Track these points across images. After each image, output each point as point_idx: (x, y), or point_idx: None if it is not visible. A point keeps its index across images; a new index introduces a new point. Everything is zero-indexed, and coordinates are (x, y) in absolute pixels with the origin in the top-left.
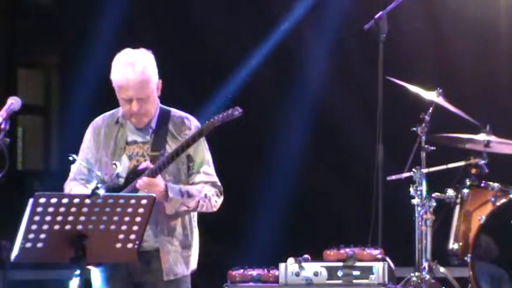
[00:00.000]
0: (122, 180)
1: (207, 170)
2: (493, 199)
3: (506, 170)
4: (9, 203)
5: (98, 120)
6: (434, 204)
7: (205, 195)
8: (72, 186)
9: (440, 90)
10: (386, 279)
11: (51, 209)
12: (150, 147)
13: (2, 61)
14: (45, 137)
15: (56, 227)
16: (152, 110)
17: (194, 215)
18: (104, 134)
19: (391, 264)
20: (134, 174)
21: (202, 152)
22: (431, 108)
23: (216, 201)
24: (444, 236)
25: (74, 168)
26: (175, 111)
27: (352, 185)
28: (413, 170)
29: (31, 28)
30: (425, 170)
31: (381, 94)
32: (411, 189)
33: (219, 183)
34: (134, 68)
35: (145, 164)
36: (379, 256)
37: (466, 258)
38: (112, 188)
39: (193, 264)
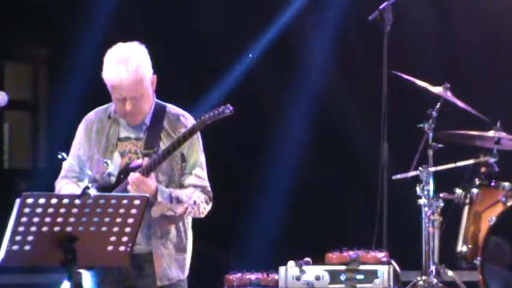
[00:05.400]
0: (113, 179)
1: (199, 173)
2: (503, 199)
3: None
4: None
5: (91, 114)
6: (442, 204)
7: (194, 202)
8: (63, 185)
9: (448, 85)
10: (391, 283)
11: (39, 210)
12: (143, 145)
13: None
14: (33, 134)
15: (45, 228)
16: (146, 107)
17: (188, 218)
18: (96, 129)
19: (397, 268)
20: (126, 172)
21: (197, 153)
22: (438, 104)
23: (204, 208)
24: (452, 237)
25: (65, 165)
26: (171, 108)
27: (355, 184)
28: (420, 168)
29: (18, 20)
30: (432, 169)
31: (385, 89)
32: (418, 189)
33: (209, 189)
34: (127, 66)
35: (138, 162)
36: (384, 259)
37: (475, 261)
38: (103, 186)
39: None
